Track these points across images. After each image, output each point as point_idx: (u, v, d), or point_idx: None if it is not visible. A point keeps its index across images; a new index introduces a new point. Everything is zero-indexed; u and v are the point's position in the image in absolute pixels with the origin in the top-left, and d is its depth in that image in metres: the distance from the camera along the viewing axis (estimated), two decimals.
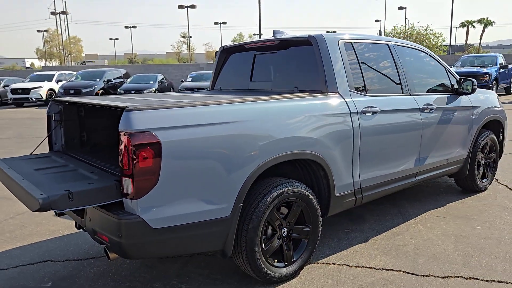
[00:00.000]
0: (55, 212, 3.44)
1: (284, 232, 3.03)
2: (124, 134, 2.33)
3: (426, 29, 40.02)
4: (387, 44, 3.95)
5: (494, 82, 16.97)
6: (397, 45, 4.06)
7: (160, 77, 21.46)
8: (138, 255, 2.52)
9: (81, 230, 3.26)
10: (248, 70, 4.14)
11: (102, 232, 2.51)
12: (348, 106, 3.34)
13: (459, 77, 4.53)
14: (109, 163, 2.97)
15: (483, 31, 56.78)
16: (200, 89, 16.38)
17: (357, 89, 3.50)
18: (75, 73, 22.86)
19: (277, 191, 2.87)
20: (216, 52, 4.59)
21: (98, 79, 20.36)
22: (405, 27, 43.17)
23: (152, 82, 20.41)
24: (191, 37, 64.03)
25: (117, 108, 2.56)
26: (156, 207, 2.41)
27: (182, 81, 20.90)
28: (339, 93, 3.34)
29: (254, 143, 2.72)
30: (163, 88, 20.65)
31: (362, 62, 3.63)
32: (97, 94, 19.44)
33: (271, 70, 3.97)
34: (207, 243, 2.66)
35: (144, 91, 18.79)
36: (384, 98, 3.70)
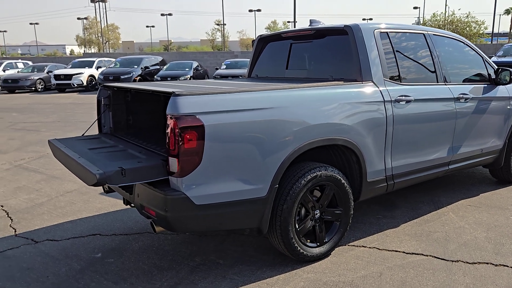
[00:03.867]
0: (104, 190, 3.74)
1: (317, 214, 3.19)
2: (171, 118, 2.53)
3: (467, 16, 38.59)
4: (423, 34, 3.98)
5: None
6: (434, 34, 4.08)
7: (195, 64, 21.82)
8: (182, 228, 2.74)
9: (128, 206, 3.53)
10: (284, 58, 4.27)
11: (150, 207, 2.74)
12: (382, 94, 3.42)
13: (496, 67, 4.50)
14: (154, 144, 3.20)
15: None
16: (235, 77, 16.56)
17: (391, 78, 3.57)
18: (114, 60, 23.58)
19: (311, 175, 3.02)
20: (253, 40, 4.74)
21: (136, 66, 20.96)
22: (445, 14, 41.76)
23: (187, 69, 20.79)
24: (225, 24, 64.31)
25: (164, 94, 2.77)
26: (199, 185, 2.61)
27: (217, 69, 21.17)
28: (373, 82, 3.43)
29: (289, 128, 2.87)
30: (198, 75, 20.99)
31: (397, 52, 3.69)
32: (134, 80, 20.03)
33: (307, 59, 4.09)
34: (245, 220, 2.85)
35: (180, 78, 19.18)
36: (418, 87, 3.76)
